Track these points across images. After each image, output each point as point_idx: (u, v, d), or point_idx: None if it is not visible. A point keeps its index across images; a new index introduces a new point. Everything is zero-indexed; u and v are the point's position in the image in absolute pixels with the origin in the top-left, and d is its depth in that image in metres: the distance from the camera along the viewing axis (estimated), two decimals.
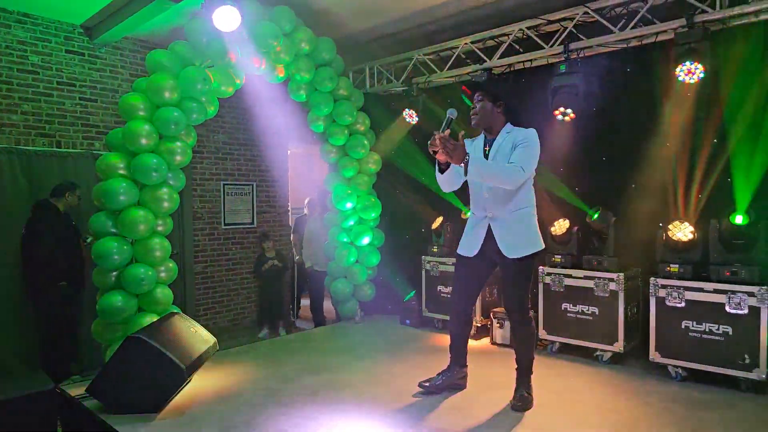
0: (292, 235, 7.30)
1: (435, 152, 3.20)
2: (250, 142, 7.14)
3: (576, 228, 4.88)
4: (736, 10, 4.09)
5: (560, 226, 4.94)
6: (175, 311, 4.50)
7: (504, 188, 3.38)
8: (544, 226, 4.97)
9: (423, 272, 5.92)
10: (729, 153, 4.30)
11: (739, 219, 3.94)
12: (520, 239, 3.45)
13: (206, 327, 4.42)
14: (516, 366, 3.67)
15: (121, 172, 4.34)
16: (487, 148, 3.55)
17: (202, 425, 3.41)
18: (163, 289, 4.52)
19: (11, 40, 5.11)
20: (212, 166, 6.80)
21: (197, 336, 4.17)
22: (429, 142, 3.18)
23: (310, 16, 5.39)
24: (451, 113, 3.28)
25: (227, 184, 6.96)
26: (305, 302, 7.68)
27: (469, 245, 3.62)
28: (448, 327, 3.91)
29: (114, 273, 4.34)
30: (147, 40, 5.97)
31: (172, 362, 3.59)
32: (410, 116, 6.04)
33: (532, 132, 3.43)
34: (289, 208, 7.93)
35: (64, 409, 3.69)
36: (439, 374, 3.86)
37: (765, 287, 3.73)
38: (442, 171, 3.36)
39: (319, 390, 3.97)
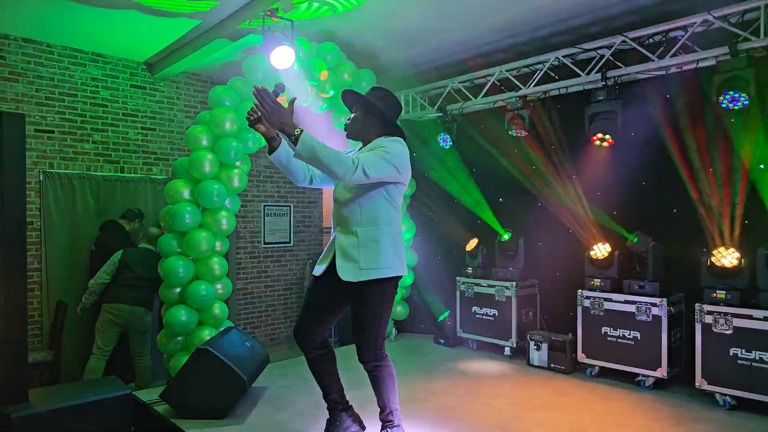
0: None
1: (254, 121, 2.78)
2: None
3: (617, 252, 4.92)
4: None
5: (600, 250, 5.01)
6: (231, 326, 4.85)
7: (351, 200, 3.02)
8: (582, 249, 5.16)
9: (457, 293, 6.15)
10: None
11: None
12: (361, 260, 2.97)
13: None
14: (379, 411, 3.30)
15: (186, 196, 4.73)
16: None
17: None
18: (220, 305, 4.87)
19: (86, 78, 5.66)
20: (254, 188, 7.18)
21: (252, 349, 4.51)
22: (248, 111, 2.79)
23: (352, 48, 5.72)
24: (280, 86, 2.80)
25: (268, 206, 7.34)
26: None
27: (320, 263, 3.20)
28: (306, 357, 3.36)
29: (177, 289, 4.70)
30: (199, 74, 6.44)
31: (236, 373, 3.93)
32: (444, 141, 6.32)
33: (394, 140, 3.05)
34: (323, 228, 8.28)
35: (138, 413, 4.00)
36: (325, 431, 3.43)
37: None
38: (270, 151, 2.91)
39: (365, 404, 4.10)
